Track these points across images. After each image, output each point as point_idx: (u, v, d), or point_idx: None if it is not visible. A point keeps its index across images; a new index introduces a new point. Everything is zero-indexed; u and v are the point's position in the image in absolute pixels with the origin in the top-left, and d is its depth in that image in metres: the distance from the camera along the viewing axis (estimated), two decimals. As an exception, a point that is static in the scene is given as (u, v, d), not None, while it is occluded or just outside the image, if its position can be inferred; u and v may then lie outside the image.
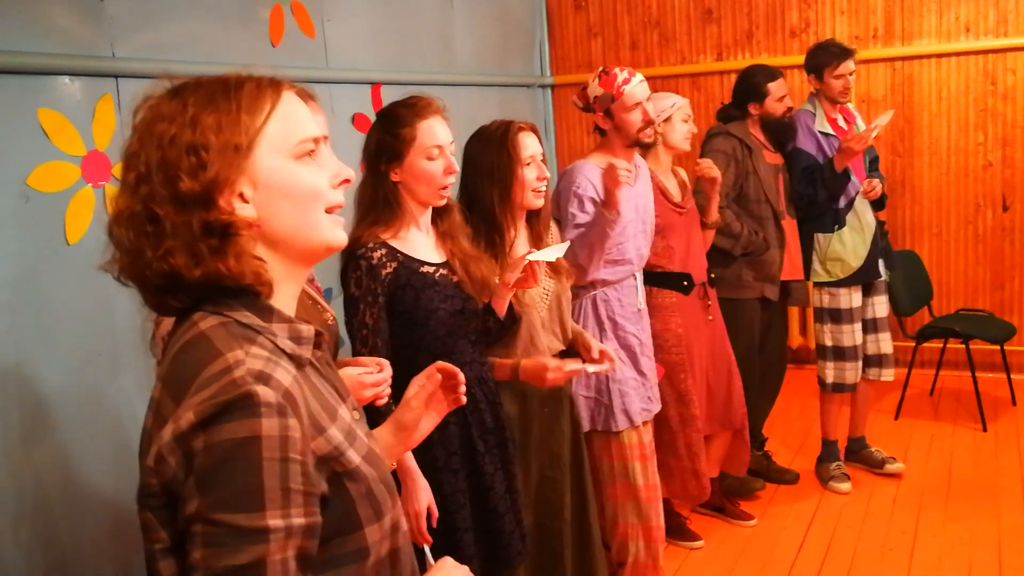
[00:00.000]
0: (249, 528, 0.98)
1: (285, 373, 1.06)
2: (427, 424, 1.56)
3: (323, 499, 1.07)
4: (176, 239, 1.07)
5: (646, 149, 3.47)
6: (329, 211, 1.18)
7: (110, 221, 1.12)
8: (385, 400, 1.91)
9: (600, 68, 3.07)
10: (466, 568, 1.31)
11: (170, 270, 1.07)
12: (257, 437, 0.99)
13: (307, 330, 1.16)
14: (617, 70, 3.02)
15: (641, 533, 3.10)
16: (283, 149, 1.14)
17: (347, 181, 1.21)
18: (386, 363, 1.93)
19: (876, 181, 3.92)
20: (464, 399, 1.58)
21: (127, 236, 1.09)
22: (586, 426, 3.03)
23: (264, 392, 1.01)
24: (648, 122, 3.03)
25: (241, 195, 1.11)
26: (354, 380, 1.84)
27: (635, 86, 3.00)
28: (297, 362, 1.12)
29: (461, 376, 1.57)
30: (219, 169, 1.08)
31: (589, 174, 3.00)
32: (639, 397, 3.09)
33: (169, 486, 1.01)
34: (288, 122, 1.15)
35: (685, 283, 3.44)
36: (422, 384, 1.54)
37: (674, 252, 3.42)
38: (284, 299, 1.17)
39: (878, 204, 4.03)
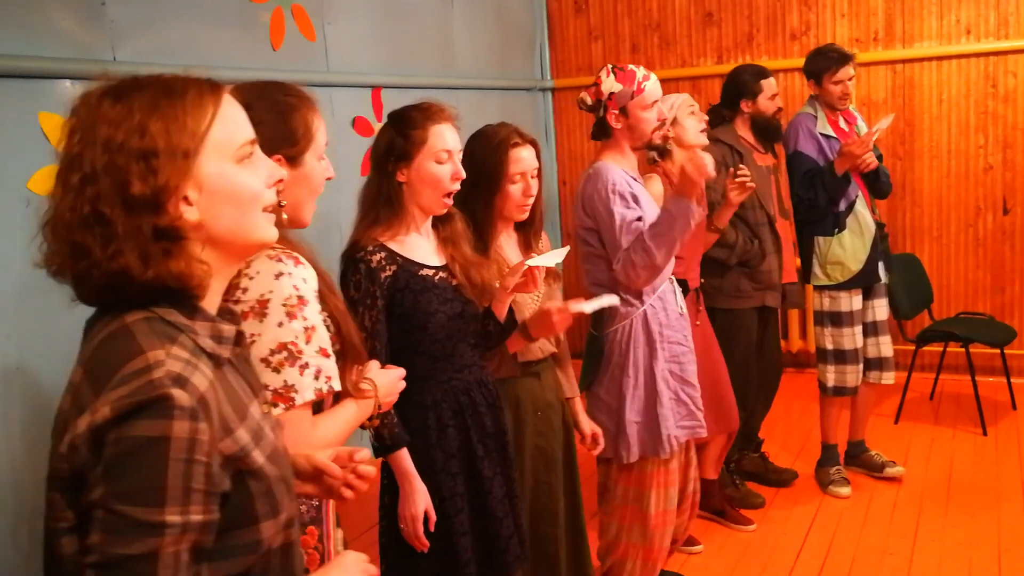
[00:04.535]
0: (146, 522, 1.02)
1: (202, 377, 1.09)
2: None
3: (223, 495, 1.11)
4: (127, 241, 1.10)
5: (662, 154, 3.47)
6: (264, 210, 1.23)
7: (48, 220, 1.15)
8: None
9: (610, 65, 2.97)
10: (363, 559, 1.34)
11: (120, 270, 1.10)
12: (167, 437, 1.03)
13: (228, 330, 1.20)
14: (633, 67, 2.93)
15: (642, 554, 3.04)
16: (226, 153, 1.17)
17: (280, 181, 1.26)
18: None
19: (871, 153, 3.82)
20: (349, 495, 1.56)
21: (72, 236, 1.11)
22: (637, 454, 2.94)
23: (179, 396, 1.04)
24: (662, 122, 2.95)
25: (186, 198, 1.13)
26: (393, 376, 1.88)
27: (653, 83, 2.92)
28: (215, 361, 1.15)
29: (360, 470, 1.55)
30: (168, 175, 1.11)
31: (618, 173, 2.90)
32: (677, 416, 2.97)
33: (78, 472, 1.05)
34: (229, 126, 1.18)
35: (681, 288, 3.42)
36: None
37: (680, 261, 3.35)
38: (211, 296, 1.21)
39: (879, 191, 4.02)
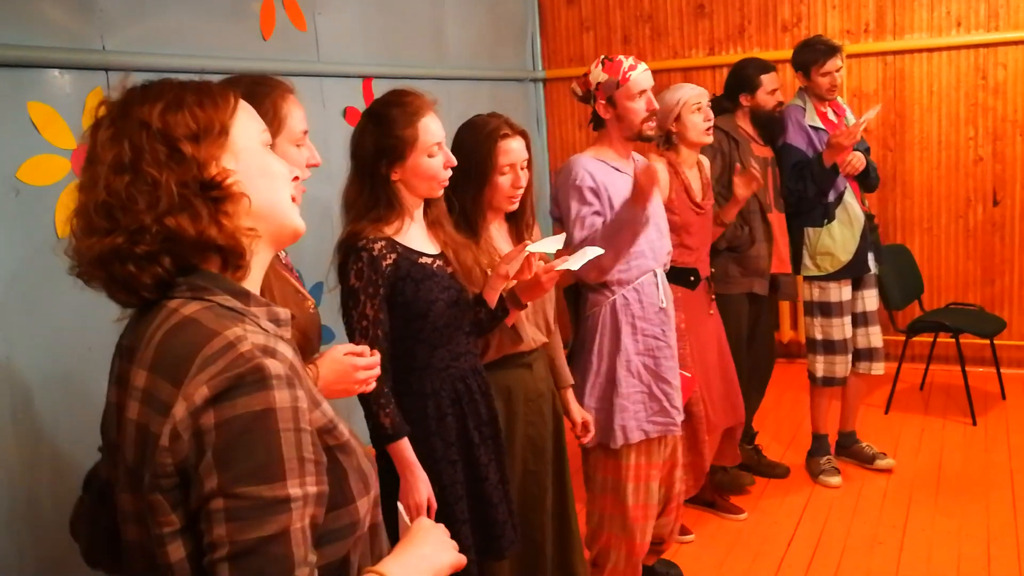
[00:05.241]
0: (272, 498, 1.00)
1: (286, 347, 1.09)
2: None
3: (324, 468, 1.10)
4: (175, 198, 1.09)
5: (662, 144, 3.45)
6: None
7: (77, 211, 1.14)
8: (373, 387, 1.90)
9: (602, 56, 2.97)
10: (441, 526, 1.34)
11: (172, 229, 1.09)
12: (272, 409, 1.02)
13: (284, 313, 1.19)
14: (621, 57, 2.92)
15: (624, 545, 3.05)
16: (252, 134, 1.20)
17: (297, 178, 1.27)
18: (370, 349, 1.91)
19: (855, 153, 3.83)
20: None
21: (113, 210, 1.10)
22: (593, 441, 2.95)
23: (273, 365, 1.03)
24: (652, 112, 2.92)
25: (225, 169, 1.14)
26: (345, 364, 1.82)
27: (640, 73, 2.89)
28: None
29: None
30: (208, 143, 1.13)
31: (587, 166, 2.90)
32: (648, 411, 2.97)
33: (182, 465, 1.03)
34: (250, 113, 1.22)
35: (692, 278, 3.42)
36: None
37: (690, 251, 3.39)
38: (253, 284, 1.20)
39: (868, 185, 4.03)
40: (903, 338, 4.91)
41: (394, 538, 1.35)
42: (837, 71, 3.92)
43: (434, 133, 2.25)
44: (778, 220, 3.98)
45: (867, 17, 5.40)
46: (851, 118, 4.06)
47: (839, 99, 4.08)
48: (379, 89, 4.37)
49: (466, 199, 2.53)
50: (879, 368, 4.14)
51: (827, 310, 3.99)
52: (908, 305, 4.97)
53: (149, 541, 1.08)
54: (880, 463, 4.17)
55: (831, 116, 3.99)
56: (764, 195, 3.88)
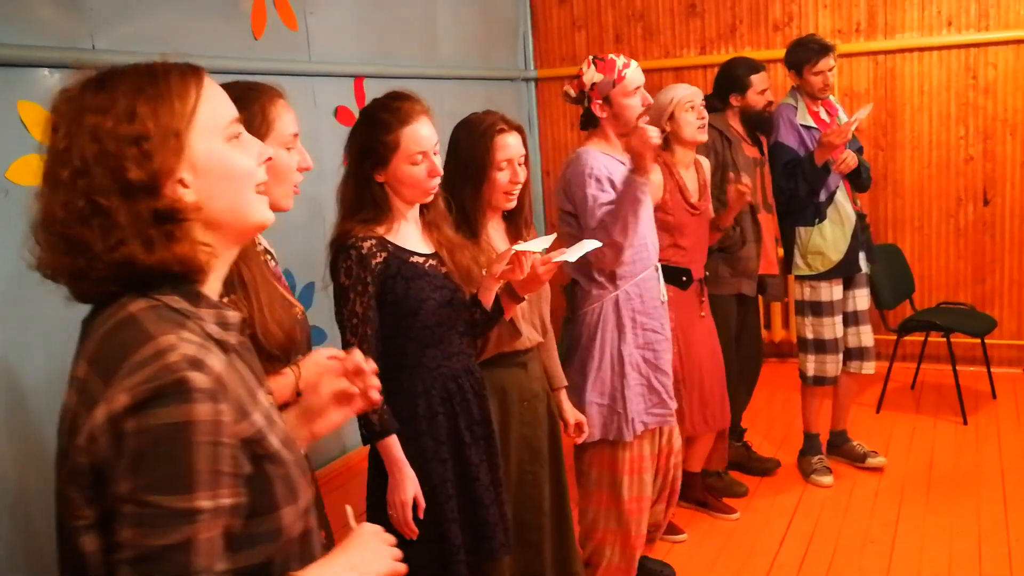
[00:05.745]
0: (179, 510, 1.01)
1: (217, 359, 1.08)
2: (335, 417, 1.52)
3: (245, 478, 1.10)
4: (128, 229, 1.08)
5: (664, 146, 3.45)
6: (257, 189, 1.21)
7: (38, 220, 1.12)
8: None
9: (591, 57, 2.98)
10: (383, 534, 1.32)
11: (123, 259, 1.08)
12: (190, 422, 1.01)
13: (233, 316, 1.18)
14: (612, 56, 2.94)
15: (619, 540, 3.07)
16: (215, 132, 1.16)
17: (269, 159, 1.24)
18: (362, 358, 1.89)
19: (848, 152, 3.82)
20: (377, 397, 1.51)
21: (68, 232, 1.08)
22: (597, 435, 2.97)
23: (197, 378, 1.03)
24: (648, 107, 2.95)
25: (181, 181, 1.11)
26: (321, 366, 1.81)
27: (634, 70, 2.93)
28: (222, 347, 1.14)
29: (371, 373, 1.50)
30: (163, 158, 1.09)
31: (597, 156, 2.92)
32: (647, 403, 3.00)
33: (98, 465, 1.03)
34: (215, 105, 1.17)
35: (684, 278, 3.42)
36: (329, 367, 1.52)
37: (683, 252, 3.39)
38: (213, 282, 1.19)
39: (860, 185, 4.03)
40: (894, 337, 4.93)
41: None
42: (829, 70, 3.92)
43: (419, 141, 2.22)
44: (767, 221, 3.99)
45: (858, 16, 5.41)
46: (843, 117, 4.06)
47: (831, 98, 4.09)
48: (370, 89, 4.37)
49: (465, 197, 2.53)
50: (870, 367, 4.15)
51: (818, 309, 4.00)
52: (899, 304, 4.99)
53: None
54: (871, 461, 4.18)
55: (823, 115, 3.99)
56: (753, 195, 3.88)
